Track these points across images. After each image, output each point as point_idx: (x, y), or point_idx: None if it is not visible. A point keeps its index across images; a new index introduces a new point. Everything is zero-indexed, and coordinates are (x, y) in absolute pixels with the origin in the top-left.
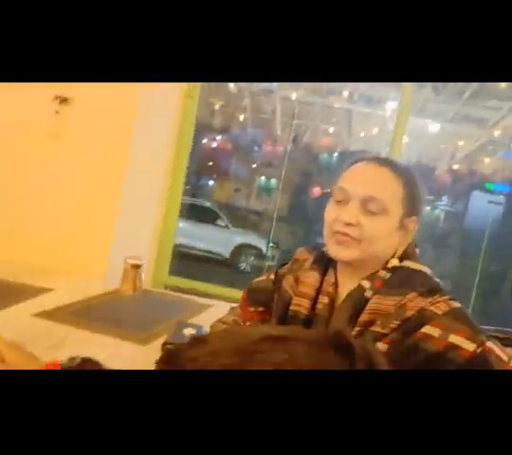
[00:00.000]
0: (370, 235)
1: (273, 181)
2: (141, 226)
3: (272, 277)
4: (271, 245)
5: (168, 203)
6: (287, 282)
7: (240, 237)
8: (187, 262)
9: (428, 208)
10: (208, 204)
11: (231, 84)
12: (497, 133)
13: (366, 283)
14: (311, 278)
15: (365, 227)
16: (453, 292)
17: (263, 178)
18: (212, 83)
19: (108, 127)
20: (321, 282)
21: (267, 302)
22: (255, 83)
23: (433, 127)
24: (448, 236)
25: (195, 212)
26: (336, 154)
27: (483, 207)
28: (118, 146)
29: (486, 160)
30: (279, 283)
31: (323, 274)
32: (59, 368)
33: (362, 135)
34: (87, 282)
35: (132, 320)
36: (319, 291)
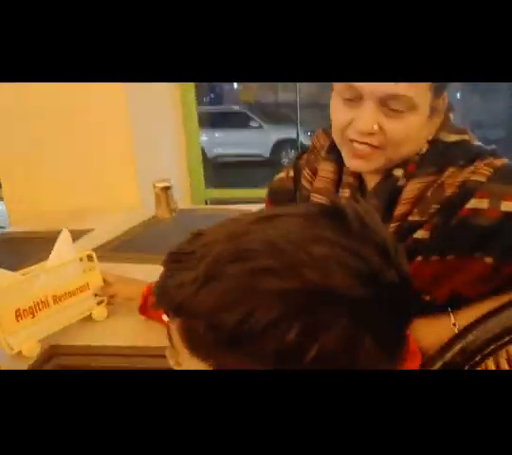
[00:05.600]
0: (396, 140)
1: None
2: (161, 146)
3: (291, 174)
4: (308, 133)
5: (184, 117)
6: (304, 178)
7: (275, 134)
8: (228, 171)
9: None
10: (236, 108)
11: None
12: None
13: (398, 171)
14: (327, 170)
15: (389, 131)
16: (508, 141)
17: None
18: None
19: None
20: (340, 173)
21: (291, 203)
22: None
23: None
24: None
25: (226, 119)
26: None
27: None
28: None
29: None
30: (298, 180)
31: (341, 162)
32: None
33: None
34: (126, 216)
35: (173, 243)
36: (338, 184)
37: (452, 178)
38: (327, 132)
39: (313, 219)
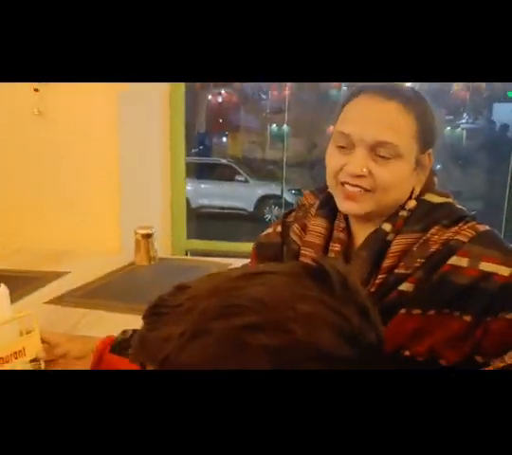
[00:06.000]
0: (384, 185)
1: (285, 127)
2: (147, 193)
3: (279, 229)
4: (293, 191)
5: (172, 166)
6: (294, 233)
7: (261, 189)
8: (211, 222)
9: (448, 128)
10: (224, 161)
11: None
12: None
13: (387, 226)
14: (318, 225)
15: (377, 176)
16: (485, 213)
17: (274, 126)
18: None
19: (92, 101)
20: (331, 229)
21: (277, 258)
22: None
23: None
24: (474, 154)
25: (213, 171)
26: (344, 88)
27: (508, 118)
28: (106, 115)
29: None
30: (287, 235)
31: (332, 219)
32: (113, 342)
33: None
34: (104, 260)
35: (148, 292)
36: (329, 239)
37: (437, 236)
38: (314, 193)
39: (297, 278)
